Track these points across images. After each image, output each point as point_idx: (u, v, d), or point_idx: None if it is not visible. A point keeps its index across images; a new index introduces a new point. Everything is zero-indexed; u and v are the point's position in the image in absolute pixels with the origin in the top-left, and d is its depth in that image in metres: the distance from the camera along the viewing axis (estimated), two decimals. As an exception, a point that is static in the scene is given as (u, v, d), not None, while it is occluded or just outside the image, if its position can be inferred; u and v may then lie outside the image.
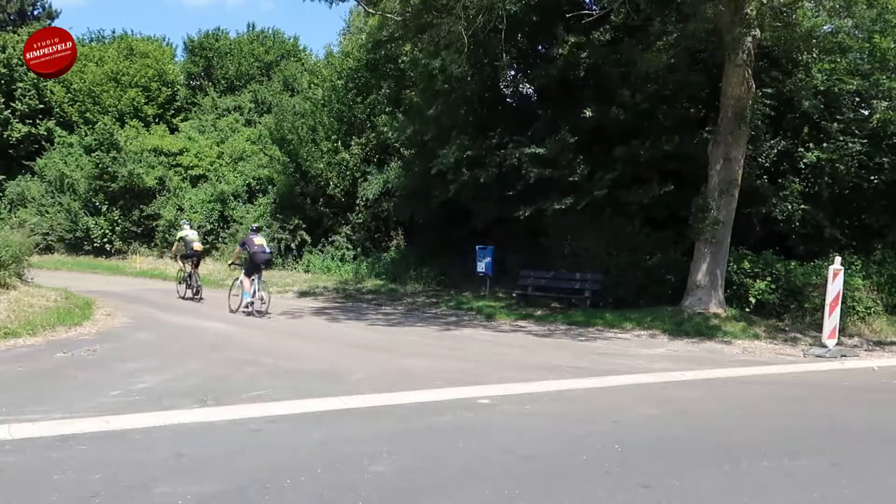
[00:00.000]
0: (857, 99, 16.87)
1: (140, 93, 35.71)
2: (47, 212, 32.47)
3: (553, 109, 18.25)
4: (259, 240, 16.45)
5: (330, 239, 25.96)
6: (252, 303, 16.02)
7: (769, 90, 16.30)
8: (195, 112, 36.50)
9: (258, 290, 16.06)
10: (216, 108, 35.82)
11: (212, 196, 29.62)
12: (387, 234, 25.16)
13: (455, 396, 8.54)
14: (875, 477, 5.98)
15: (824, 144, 16.62)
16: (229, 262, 19.45)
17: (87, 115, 34.68)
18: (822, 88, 16.34)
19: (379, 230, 25.41)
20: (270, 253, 17.56)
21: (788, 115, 17.28)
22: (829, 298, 12.79)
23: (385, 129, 23.17)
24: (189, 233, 19.72)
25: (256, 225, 18.67)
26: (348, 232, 25.60)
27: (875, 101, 16.62)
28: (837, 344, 12.86)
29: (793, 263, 15.78)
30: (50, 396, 7.99)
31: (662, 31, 15.77)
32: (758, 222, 16.96)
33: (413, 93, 20.81)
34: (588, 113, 16.68)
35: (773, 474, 5.82)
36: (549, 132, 17.47)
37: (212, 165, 31.36)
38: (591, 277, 17.67)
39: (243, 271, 16.46)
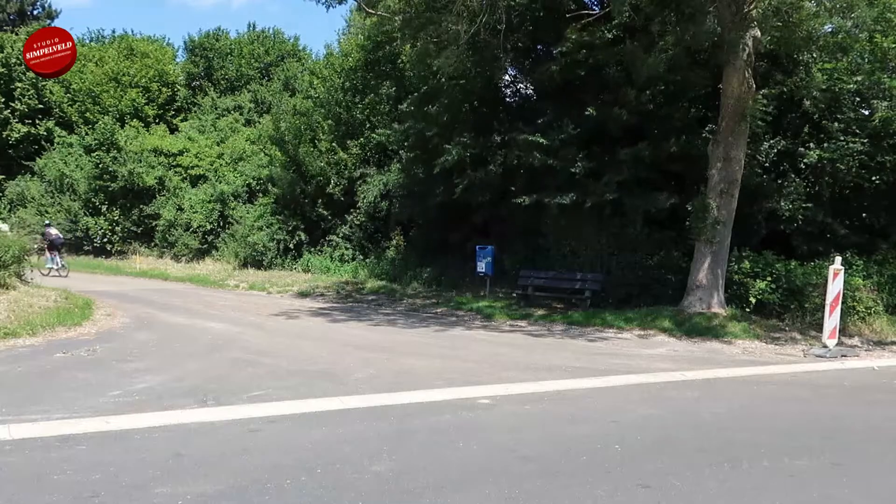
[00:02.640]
0: (858, 99, 16.87)
1: (140, 93, 35.71)
2: (47, 212, 32.46)
3: (554, 109, 18.25)
4: (54, 231, 26.31)
5: (328, 239, 25.96)
6: (58, 270, 24.96)
7: (770, 90, 16.30)
8: (195, 112, 36.51)
9: (60, 261, 25.34)
10: (216, 109, 35.82)
11: (211, 196, 29.61)
12: (386, 235, 25.15)
13: (455, 396, 8.54)
14: (876, 477, 5.97)
15: (825, 144, 16.62)
16: (37, 246, 26.72)
17: (87, 115, 34.68)
18: (822, 88, 16.34)
19: (378, 230, 25.40)
20: (63, 238, 26.79)
21: (789, 115, 17.28)
22: (829, 298, 12.79)
23: (386, 134, 23.11)
24: (53, 230, 26.69)
25: (48, 222, 28.14)
26: (347, 232, 25.59)
27: (875, 102, 16.62)
28: (838, 344, 12.86)
29: (793, 263, 15.78)
30: (50, 396, 7.99)
31: (663, 31, 15.77)
32: (761, 222, 16.96)
33: (414, 92, 20.79)
34: (591, 111, 16.68)
35: (773, 474, 5.81)
36: (551, 130, 17.48)
37: (211, 165, 31.36)
38: (591, 277, 17.67)
39: (48, 250, 25.21)
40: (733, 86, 15.13)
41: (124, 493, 5.11)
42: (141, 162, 31.24)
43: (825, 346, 12.69)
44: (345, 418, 7.48)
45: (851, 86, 16.36)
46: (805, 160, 16.75)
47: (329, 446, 6.41)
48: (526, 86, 20.95)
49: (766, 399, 9.12)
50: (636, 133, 17.01)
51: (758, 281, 15.53)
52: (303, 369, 10.13)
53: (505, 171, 18.15)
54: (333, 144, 25.29)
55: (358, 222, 25.33)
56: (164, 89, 36.73)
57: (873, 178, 16.48)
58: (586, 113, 16.78)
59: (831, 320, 12.73)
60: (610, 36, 15.91)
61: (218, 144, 32.55)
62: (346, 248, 25.52)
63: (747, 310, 15.49)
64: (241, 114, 35.36)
